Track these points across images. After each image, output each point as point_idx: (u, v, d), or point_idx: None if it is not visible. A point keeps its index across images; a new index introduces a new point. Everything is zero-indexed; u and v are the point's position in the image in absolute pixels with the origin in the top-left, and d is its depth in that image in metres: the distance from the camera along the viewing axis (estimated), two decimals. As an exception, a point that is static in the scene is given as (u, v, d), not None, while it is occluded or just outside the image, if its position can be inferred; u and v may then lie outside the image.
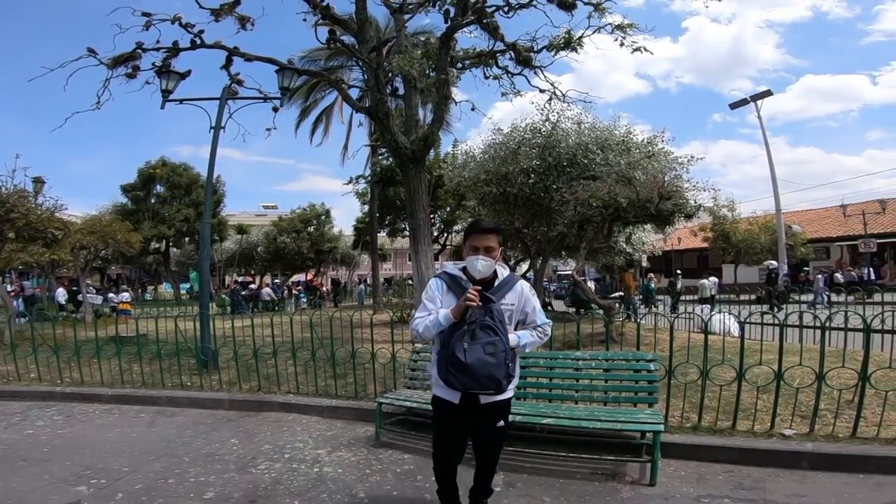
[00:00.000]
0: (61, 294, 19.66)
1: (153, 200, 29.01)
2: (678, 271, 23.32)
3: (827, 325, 4.23)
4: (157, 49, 8.27)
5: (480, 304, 2.55)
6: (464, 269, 2.73)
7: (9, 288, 20.33)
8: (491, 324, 2.56)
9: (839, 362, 4.22)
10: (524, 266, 17.92)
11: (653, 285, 20.86)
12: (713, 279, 20.01)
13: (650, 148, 10.01)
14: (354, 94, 14.47)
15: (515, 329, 2.80)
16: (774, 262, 20.35)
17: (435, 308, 2.68)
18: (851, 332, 4.76)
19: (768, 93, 24.26)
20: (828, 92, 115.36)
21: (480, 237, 2.67)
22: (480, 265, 2.62)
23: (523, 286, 2.79)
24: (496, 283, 2.71)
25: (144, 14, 7.85)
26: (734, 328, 8.81)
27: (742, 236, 23.83)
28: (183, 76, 8.39)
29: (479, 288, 2.59)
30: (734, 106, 26.00)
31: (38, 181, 13.17)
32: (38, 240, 11.01)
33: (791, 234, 24.46)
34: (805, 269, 26.49)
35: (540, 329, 2.80)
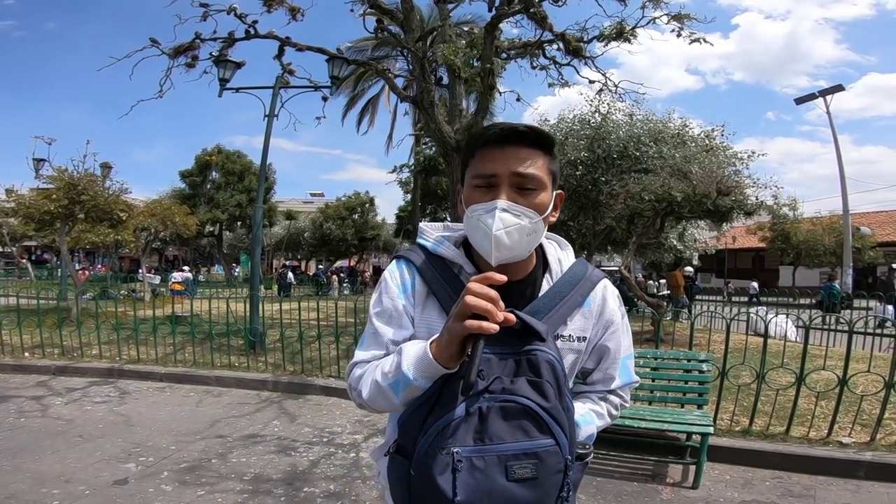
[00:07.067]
0: (291, 277, 22.10)
1: (209, 186, 30.04)
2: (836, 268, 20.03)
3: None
4: (215, 39, 8.55)
5: (514, 323, 0.93)
6: (464, 244, 1.12)
7: (77, 266, 21.68)
8: (531, 400, 0.95)
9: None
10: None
11: (837, 286, 16.55)
12: (662, 281, 20.90)
13: (707, 142, 9.61)
14: (400, 83, 14.50)
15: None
16: (690, 269, 18.08)
17: (396, 337, 1.08)
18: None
19: (839, 87, 22.27)
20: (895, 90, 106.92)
21: (503, 153, 1.01)
22: (501, 226, 0.97)
23: (607, 293, 1.14)
24: (544, 283, 1.10)
25: (202, 5, 8.12)
26: (791, 332, 8.39)
27: (804, 237, 22.48)
28: (239, 65, 8.67)
29: (501, 280, 0.90)
30: (800, 101, 24.19)
31: (106, 166, 13.83)
32: (105, 221, 11.66)
33: (858, 237, 22.79)
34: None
35: (618, 399, 1.25)
